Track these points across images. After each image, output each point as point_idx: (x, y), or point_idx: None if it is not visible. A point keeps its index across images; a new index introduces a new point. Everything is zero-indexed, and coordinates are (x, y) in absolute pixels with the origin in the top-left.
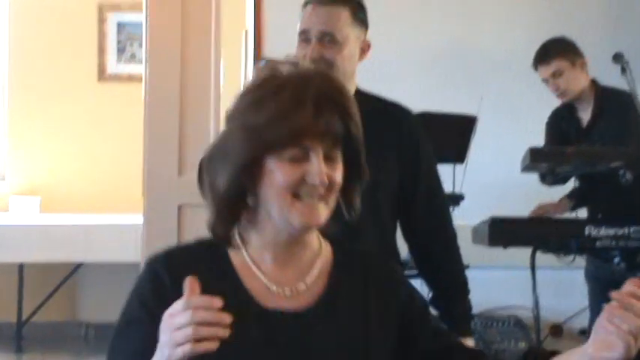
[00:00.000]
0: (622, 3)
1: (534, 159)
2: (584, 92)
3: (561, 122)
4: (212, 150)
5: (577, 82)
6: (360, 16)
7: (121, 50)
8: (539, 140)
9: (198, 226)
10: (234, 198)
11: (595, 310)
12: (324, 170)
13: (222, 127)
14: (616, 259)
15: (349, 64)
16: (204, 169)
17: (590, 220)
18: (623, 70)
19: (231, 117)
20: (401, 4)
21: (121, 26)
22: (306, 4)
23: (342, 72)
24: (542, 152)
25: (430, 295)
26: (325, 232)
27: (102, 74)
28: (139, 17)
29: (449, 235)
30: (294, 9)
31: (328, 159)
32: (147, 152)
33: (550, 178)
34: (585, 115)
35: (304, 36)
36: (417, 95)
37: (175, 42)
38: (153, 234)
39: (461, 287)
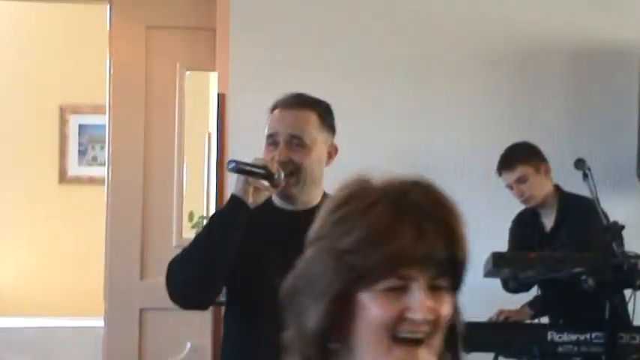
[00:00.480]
0: (582, 108)
1: (497, 264)
2: (548, 198)
3: (524, 227)
4: (295, 277)
5: (541, 187)
6: (327, 121)
7: (82, 153)
8: (501, 245)
9: (160, 330)
10: (323, 337)
11: None
12: (428, 304)
13: (184, 230)
14: None
15: (317, 168)
16: (287, 300)
17: (552, 325)
18: (585, 176)
19: (315, 237)
20: (360, 106)
21: (82, 128)
22: (273, 108)
23: (310, 176)
24: (504, 257)
25: None
26: None
27: (63, 177)
28: (101, 119)
29: None
30: (257, 112)
31: (432, 289)
32: (109, 255)
33: (513, 283)
34: (548, 220)
35: (272, 139)
36: None
37: (138, 145)
38: (114, 337)
39: None
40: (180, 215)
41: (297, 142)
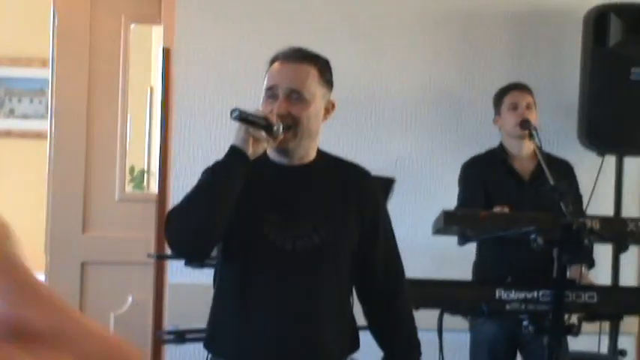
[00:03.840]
0: (524, 70)
1: (447, 222)
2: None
3: (490, 174)
4: None
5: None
6: (326, 76)
7: None
8: (447, 203)
9: (102, 284)
10: None
11: None
12: None
13: (127, 183)
14: (525, 322)
15: (314, 123)
16: None
17: (500, 283)
18: (531, 136)
19: None
20: None
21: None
22: (273, 61)
23: (307, 130)
24: (455, 215)
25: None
26: None
27: None
28: (19, 72)
29: (406, 297)
30: (202, 67)
31: None
32: (50, 209)
33: (462, 240)
34: (525, 169)
35: (271, 92)
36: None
37: (81, 98)
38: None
39: (416, 351)
40: (124, 169)
41: (296, 97)
